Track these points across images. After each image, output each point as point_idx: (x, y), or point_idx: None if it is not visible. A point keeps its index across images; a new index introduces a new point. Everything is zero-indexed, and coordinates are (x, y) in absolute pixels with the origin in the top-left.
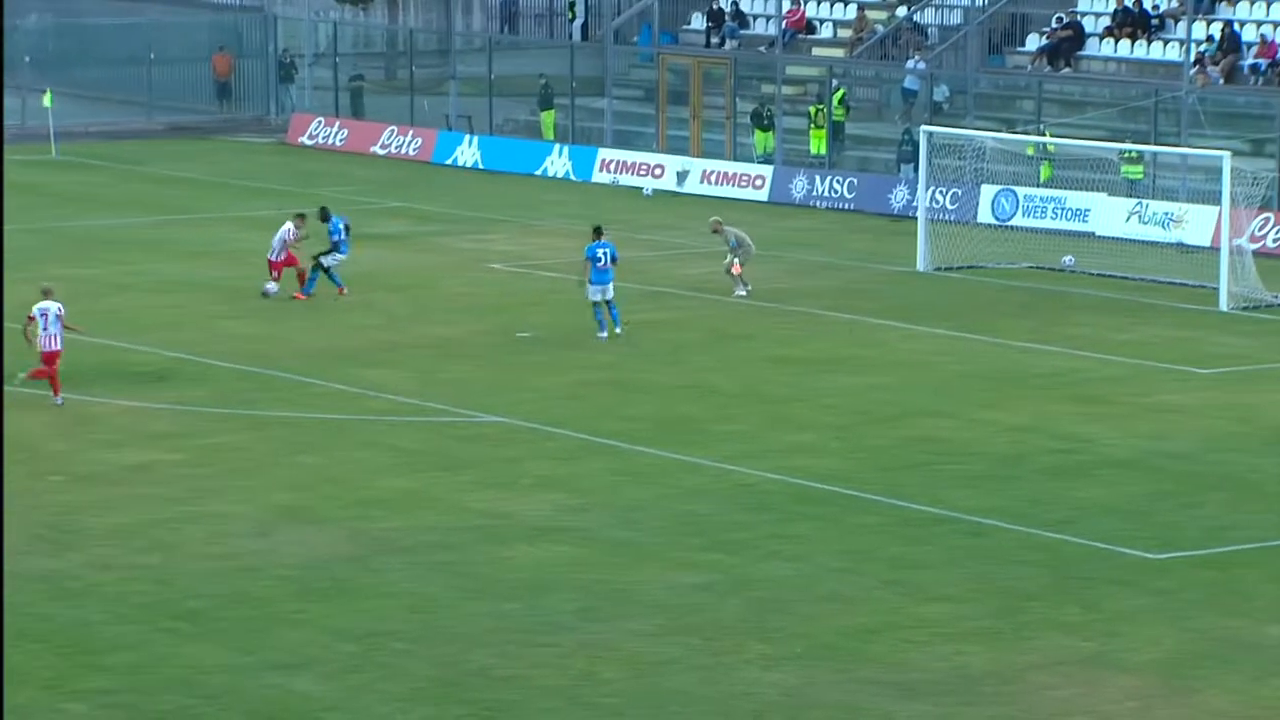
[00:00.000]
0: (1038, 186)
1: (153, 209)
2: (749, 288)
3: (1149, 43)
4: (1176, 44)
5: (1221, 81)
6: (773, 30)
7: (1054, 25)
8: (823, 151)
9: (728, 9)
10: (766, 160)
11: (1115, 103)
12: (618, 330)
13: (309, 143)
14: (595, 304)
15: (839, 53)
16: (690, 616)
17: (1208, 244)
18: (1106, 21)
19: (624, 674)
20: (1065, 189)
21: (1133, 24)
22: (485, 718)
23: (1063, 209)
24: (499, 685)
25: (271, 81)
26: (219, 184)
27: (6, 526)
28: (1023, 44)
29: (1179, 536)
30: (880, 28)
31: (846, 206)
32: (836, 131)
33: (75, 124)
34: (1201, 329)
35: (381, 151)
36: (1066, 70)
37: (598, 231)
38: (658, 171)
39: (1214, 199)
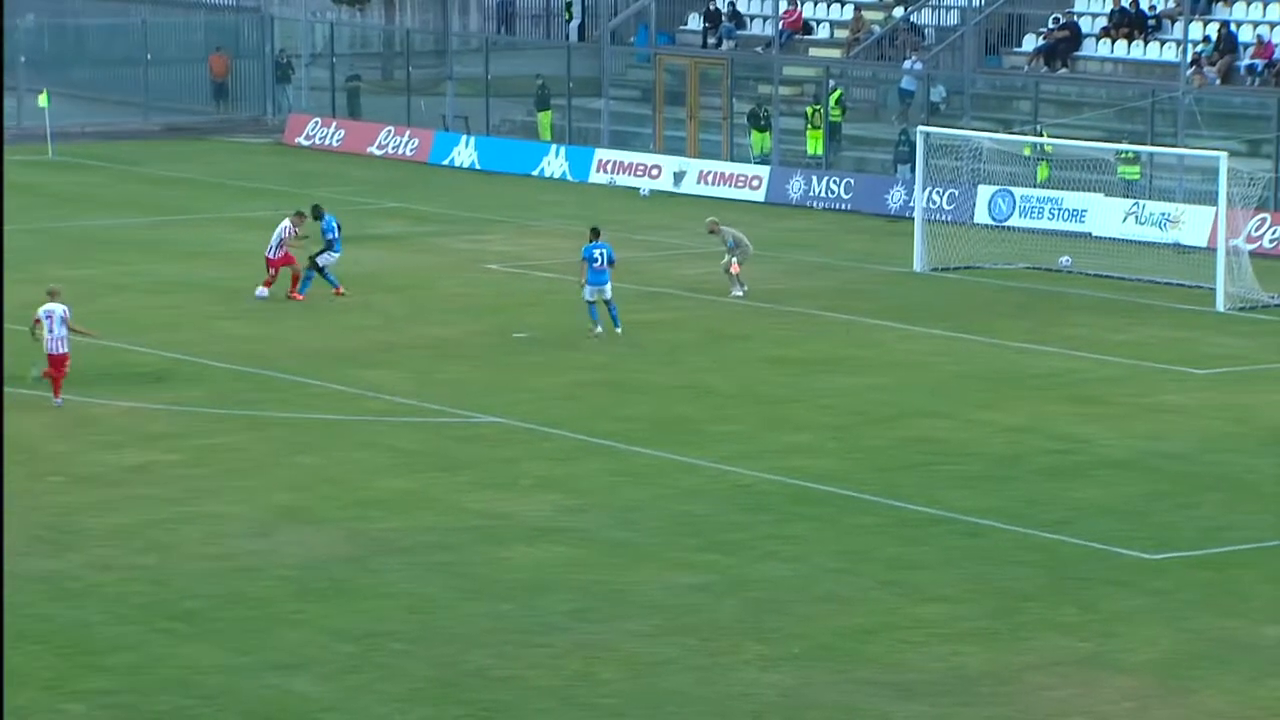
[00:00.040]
0: (1035, 187)
1: (149, 209)
2: (746, 288)
3: (1145, 43)
4: (1173, 44)
5: (1218, 82)
6: (769, 31)
7: (1051, 26)
8: (819, 152)
9: (724, 9)
10: (763, 161)
11: (1112, 103)
12: (618, 330)
13: (306, 143)
14: (590, 303)
15: (836, 53)
16: (687, 617)
17: (1204, 244)
18: (1103, 22)
19: (621, 674)
20: (1062, 189)
21: (1129, 24)
22: (483, 718)
23: (1059, 209)
24: (496, 686)
25: (268, 82)
26: (216, 184)
27: (6, 527)
28: (1019, 44)
29: (1176, 537)
30: (877, 28)
31: (843, 207)
32: (833, 132)
33: (72, 124)
34: (1198, 329)
35: (378, 152)
36: (1063, 71)
37: (595, 233)
38: (654, 172)
39: (1211, 199)
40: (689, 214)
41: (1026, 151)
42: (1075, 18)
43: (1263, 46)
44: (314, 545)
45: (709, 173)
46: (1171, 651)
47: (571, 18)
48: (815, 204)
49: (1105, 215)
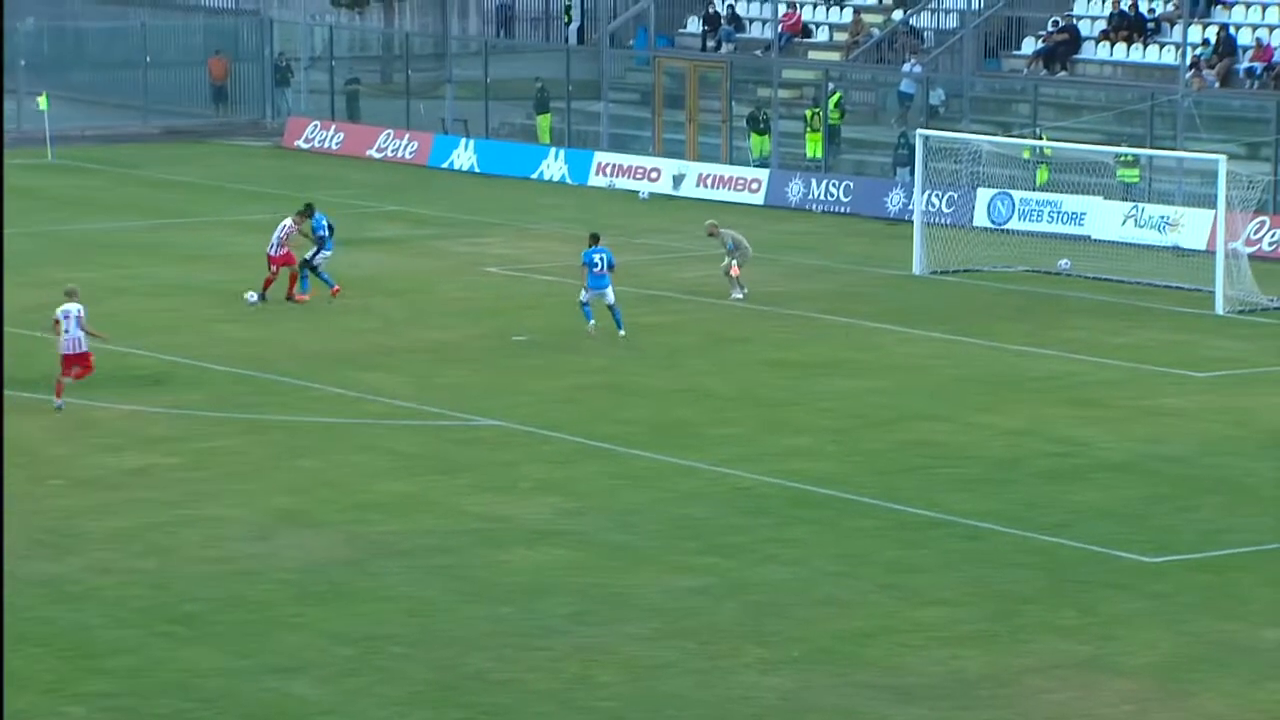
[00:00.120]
0: (1034, 190)
1: (149, 213)
2: (745, 291)
3: (1145, 46)
4: (1172, 48)
5: (1217, 85)
6: (769, 34)
7: (1050, 29)
8: (819, 155)
9: (724, 12)
10: (762, 164)
11: (1111, 106)
12: (621, 333)
13: (305, 146)
14: (583, 303)
15: (835, 56)
16: (686, 620)
17: (1203, 247)
18: (1102, 25)
19: (620, 677)
20: (1061, 192)
21: (1129, 28)
22: None
23: (1058, 212)
24: (496, 689)
25: (267, 85)
26: (215, 187)
27: (7, 531)
28: (1019, 47)
29: (1175, 540)
30: (876, 31)
31: (842, 210)
32: (832, 135)
33: (71, 127)
34: (1197, 332)
35: (377, 155)
36: (1062, 74)
37: (594, 238)
38: (654, 175)
39: (1210, 202)
40: (688, 217)
41: (1026, 154)
42: (1074, 21)
43: (1262, 49)
44: (313, 548)
45: (708, 176)
46: (1171, 654)
47: (570, 21)
48: (814, 207)
49: (1104, 218)
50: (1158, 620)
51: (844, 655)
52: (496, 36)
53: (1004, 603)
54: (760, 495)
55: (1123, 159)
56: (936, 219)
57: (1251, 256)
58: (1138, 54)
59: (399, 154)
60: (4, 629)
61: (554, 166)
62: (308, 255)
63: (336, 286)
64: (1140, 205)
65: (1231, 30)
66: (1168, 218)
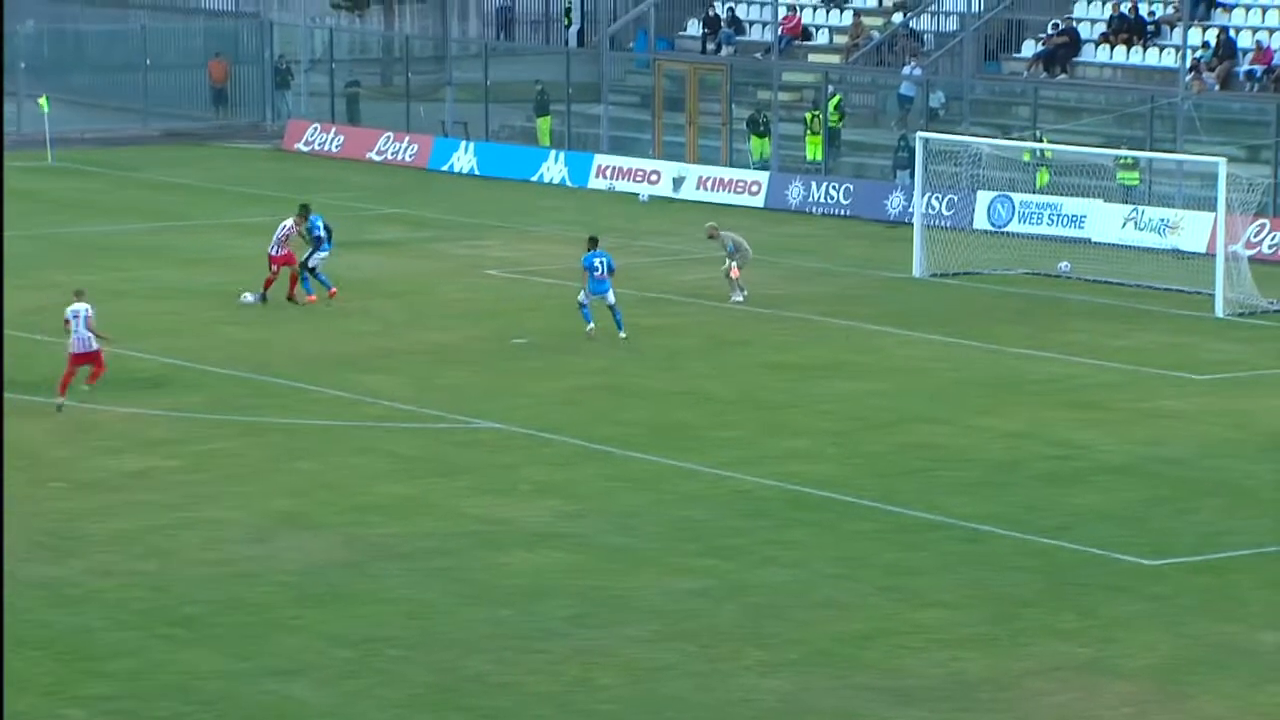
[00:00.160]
0: (1034, 193)
1: (149, 215)
2: (745, 293)
3: (1145, 49)
4: (1172, 50)
5: (1217, 88)
6: (769, 36)
7: (1050, 32)
8: (819, 158)
9: (724, 15)
10: (762, 166)
11: (1111, 109)
12: (622, 335)
13: (305, 149)
14: (582, 304)
15: (835, 59)
16: (686, 622)
17: (1203, 250)
18: (1102, 28)
19: (620, 680)
20: (1061, 195)
21: (1129, 30)
22: None
23: (1058, 215)
24: (495, 691)
25: (267, 88)
26: (215, 190)
27: (7, 533)
28: (1019, 50)
29: (1174, 542)
30: (876, 34)
31: (842, 212)
32: (832, 138)
33: (71, 130)
34: (1197, 335)
35: (377, 158)
36: (1062, 76)
37: (593, 241)
38: (654, 177)
39: (1210, 205)
40: (688, 219)
41: (1026, 157)
42: (1074, 23)
43: (1262, 52)
44: (313, 551)
45: (708, 178)
46: (1170, 657)
47: (571, 23)
48: (814, 209)
49: (1104, 221)
50: (1157, 623)
51: (843, 657)
52: (496, 39)
53: (1004, 605)
54: (760, 497)
55: (1123, 162)
56: (936, 222)
57: (1251, 259)
58: (1137, 57)
59: (399, 157)
60: (4, 631)
61: (554, 169)
62: (304, 258)
63: (333, 289)
64: (1140, 208)
65: (1231, 33)
66: (1168, 220)
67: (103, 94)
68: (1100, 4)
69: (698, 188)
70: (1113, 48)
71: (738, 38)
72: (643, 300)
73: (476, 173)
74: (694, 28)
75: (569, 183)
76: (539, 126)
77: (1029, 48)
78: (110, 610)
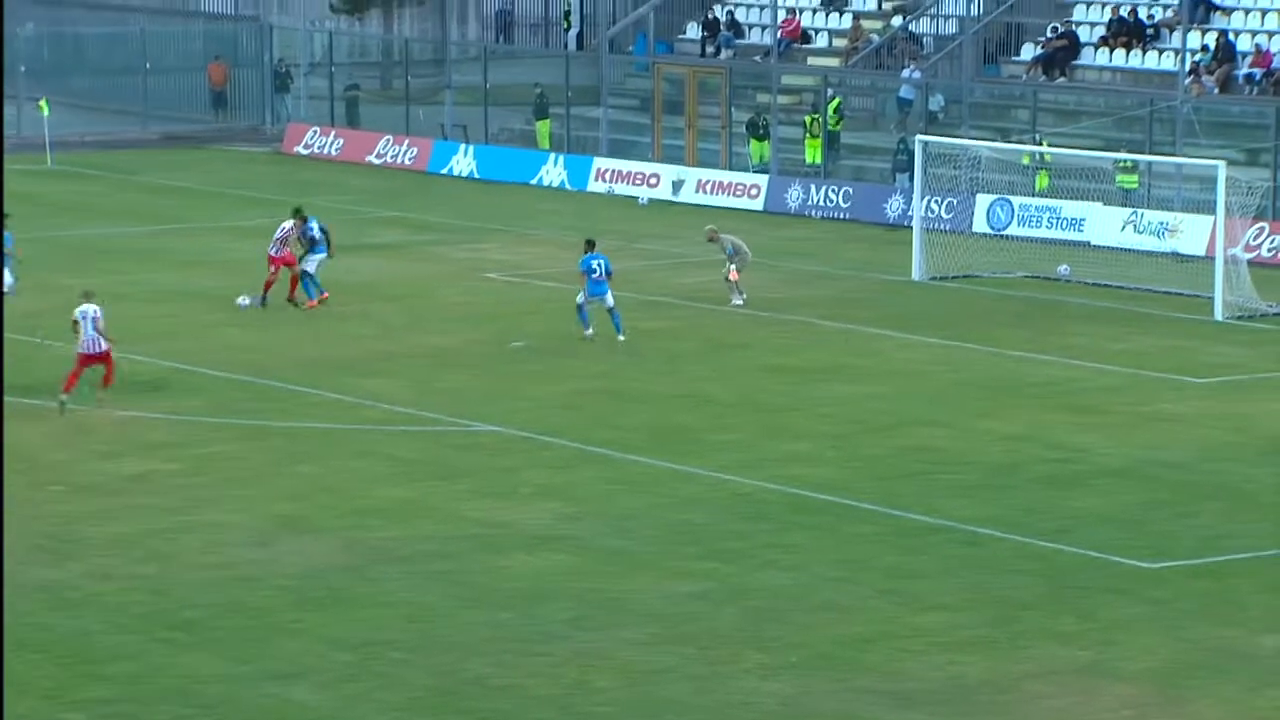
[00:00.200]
0: (1033, 196)
1: (148, 218)
2: (745, 296)
3: (1144, 52)
4: (1171, 53)
5: (1216, 91)
6: (768, 40)
7: (1049, 35)
8: (818, 161)
9: (723, 18)
10: (762, 169)
11: (1110, 112)
12: (621, 337)
13: (304, 152)
14: (580, 306)
15: (834, 62)
16: (685, 625)
17: (1203, 253)
18: (1101, 31)
19: (618, 683)
20: (1060, 198)
21: (1128, 34)
22: None
23: (1058, 218)
24: (495, 694)
25: (267, 91)
26: (214, 193)
27: (6, 536)
28: (1018, 53)
29: (1174, 546)
30: (876, 37)
31: (842, 216)
32: (832, 141)
33: (70, 133)
34: (1197, 338)
35: (377, 161)
36: (1061, 80)
37: (590, 244)
38: (653, 181)
39: (1209, 208)
40: (687, 223)
41: (1025, 160)
42: (1074, 27)
43: (1261, 55)
44: (313, 554)
45: (707, 181)
46: (1170, 660)
47: (570, 27)
48: (814, 213)
49: (1104, 224)
50: (1157, 626)
51: (843, 661)
52: (496, 42)
53: (1003, 608)
54: (759, 501)
55: (1122, 165)
56: (936, 225)
57: (1250, 262)
58: (1137, 60)
59: (398, 160)
60: (4, 635)
61: (553, 172)
62: (301, 260)
63: (325, 294)
64: (1139, 211)
65: (1231, 36)
66: (1167, 223)
67: (102, 97)
68: (1099, 7)
69: (697, 191)
70: (1112, 51)
71: (737, 41)
72: (642, 303)
73: (476, 176)
74: (693, 31)
75: (568, 186)
76: (538, 130)
77: (1028, 51)
78: (110, 614)
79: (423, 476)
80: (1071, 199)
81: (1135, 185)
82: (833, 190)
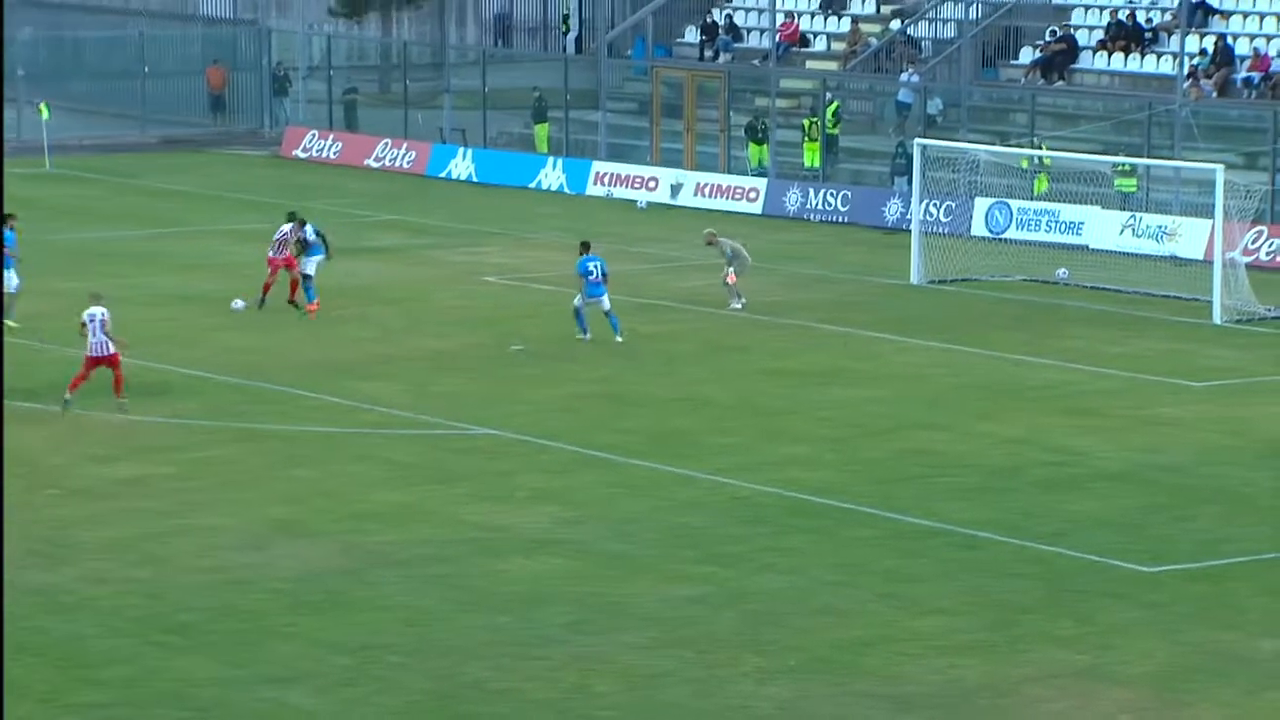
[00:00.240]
0: (1031, 199)
1: (146, 222)
2: (744, 300)
3: (1142, 56)
4: (1170, 57)
5: (1215, 95)
6: (766, 43)
7: (1047, 38)
8: (817, 164)
9: (722, 22)
10: (760, 173)
11: (1109, 116)
12: (619, 340)
13: (303, 156)
14: (577, 308)
15: (833, 66)
16: (684, 629)
17: (1201, 257)
18: (1100, 35)
19: (617, 687)
20: (1059, 202)
21: (1126, 37)
22: None
23: (1056, 222)
24: (494, 698)
25: (265, 94)
26: (213, 197)
27: (4, 540)
28: (1016, 57)
29: (1172, 549)
30: (874, 41)
31: (840, 219)
32: (830, 144)
33: (69, 137)
34: (1195, 342)
35: (375, 164)
36: (1060, 83)
37: (585, 246)
38: (652, 184)
39: (1207, 212)
40: (686, 226)
41: (1024, 164)
42: (1072, 30)
43: (1259, 59)
44: (309, 558)
45: (706, 185)
46: (1168, 664)
47: (569, 30)
48: (812, 216)
49: (1102, 228)
50: (1155, 630)
51: (842, 664)
52: (494, 46)
53: (1002, 612)
54: (758, 504)
55: (1120, 168)
56: (934, 228)
57: (1249, 266)
58: (1135, 64)
59: (397, 163)
60: (3, 638)
61: (552, 176)
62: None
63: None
64: (1138, 215)
65: (1229, 40)
66: (1165, 227)
67: (101, 101)
68: (1098, 11)
69: (696, 194)
70: (1110, 55)
71: (736, 44)
72: (641, 307)
73: (474, 179)
74: (692, 34)
75: (567, 189)
76: (537, 133)
77: (1027, 54)
78: (104, 617)
79: (420, 480)
80: (1070, 202)
81: (1134, 189)
82: (831, 194)
